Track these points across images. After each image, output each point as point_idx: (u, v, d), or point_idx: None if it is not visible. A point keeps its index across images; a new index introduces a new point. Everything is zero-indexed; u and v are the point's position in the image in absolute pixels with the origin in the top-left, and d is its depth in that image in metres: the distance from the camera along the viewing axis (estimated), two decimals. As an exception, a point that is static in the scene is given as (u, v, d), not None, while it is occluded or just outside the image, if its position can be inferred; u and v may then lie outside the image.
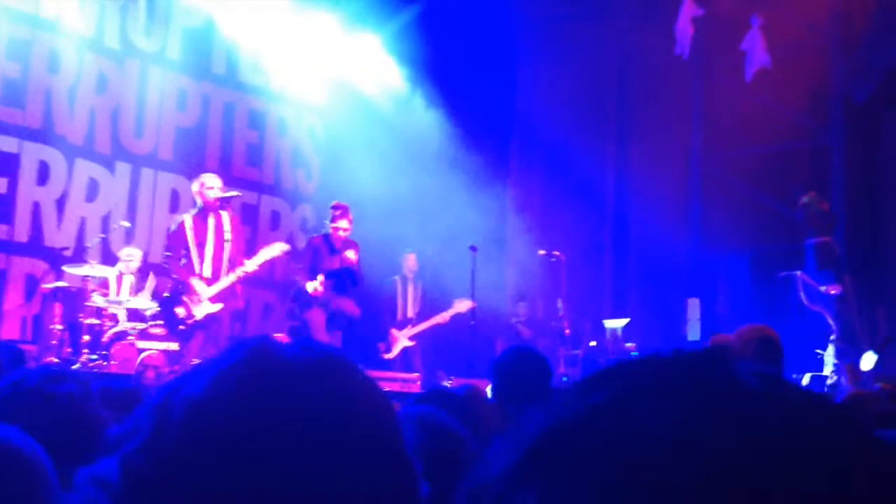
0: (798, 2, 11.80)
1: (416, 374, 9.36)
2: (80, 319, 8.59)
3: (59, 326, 8.71)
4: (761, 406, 0.56)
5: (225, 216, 8.58)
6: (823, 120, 12.16)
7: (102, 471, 0.86)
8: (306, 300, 9.21)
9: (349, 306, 9.40)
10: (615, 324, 11.55)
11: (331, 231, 9.34)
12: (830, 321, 8.80)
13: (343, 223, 9.29)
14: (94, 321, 8.72)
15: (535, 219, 13.16)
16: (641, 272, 13.39)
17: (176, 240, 8.50)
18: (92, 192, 10.41)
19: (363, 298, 9.78)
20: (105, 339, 8.65)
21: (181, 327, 8.39)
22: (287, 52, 12.02)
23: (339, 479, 0.83)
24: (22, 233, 9.83)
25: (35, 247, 9.88)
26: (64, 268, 9.17)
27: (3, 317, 9.65)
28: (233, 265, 8.44)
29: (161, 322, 8.76)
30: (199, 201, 8.61)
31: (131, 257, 9.62)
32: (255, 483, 0.81)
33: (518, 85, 13.99)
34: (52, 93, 10.08)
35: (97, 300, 8.85)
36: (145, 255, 10.23)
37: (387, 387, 8.04)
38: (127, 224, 10.17)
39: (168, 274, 8.98)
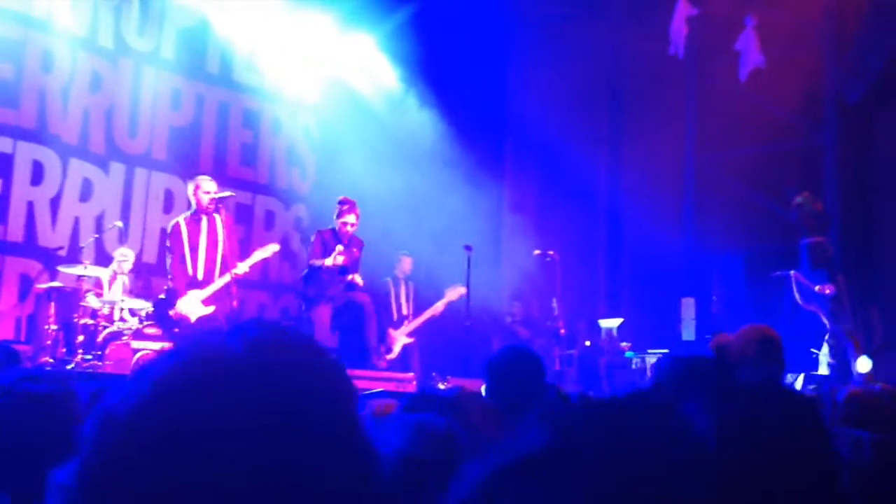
0: (791, 2, 11.83)
1: (411, 374, 9.35)
2: (75, 320, 8.57)
3: (54, 327, 8.68)
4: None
5: (218, 219, 8.58)
6: (817, 120, 12.19)
7: (67, 475, 0.87)
8: (315, 291, 9.19)
9: (360, 297, 9.39)
10: (610, 323, 11.57)
11: (338, 226, 9.33)
12: (825, 321, 8.82)
13: (350, 218, 9.31)
14: (89, 321, 8.71)
15: (530, 218, 13.18)
16: (636, 272, 13.41)
17: (175, 243, 8.51)
18: (86, 191, 10.39)
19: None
20: (100, 339, 8.64)
21: (175, 329, 8.38)
22: (281, 52, 12.01)
23: (287, 470, 0.82)
24: (16, 233, 9.81)
25: (29, 247, 9.86)
26: (58, 268, 9.16)
27: (-3, 317, 9.64)
28: (225, 267, 8.44)
29: (154, 322, 8.74)
30: (193, 203, 8.61)
31: (125, 257, 9.60)
32: (200, 481, 0.80)
33: (512, 85, 14.00)
34: (45, 92, 10.05)
35: (92, 300, 8.83)
36: (139, 256, 10.22)
37: (382, 386, 8.03)
38: (120, 224, 10.15)
39: (162, 273, 8.97)
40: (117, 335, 8.74)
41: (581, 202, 13.30)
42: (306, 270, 9.53)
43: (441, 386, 8.86)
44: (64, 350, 8.59)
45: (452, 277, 10.56)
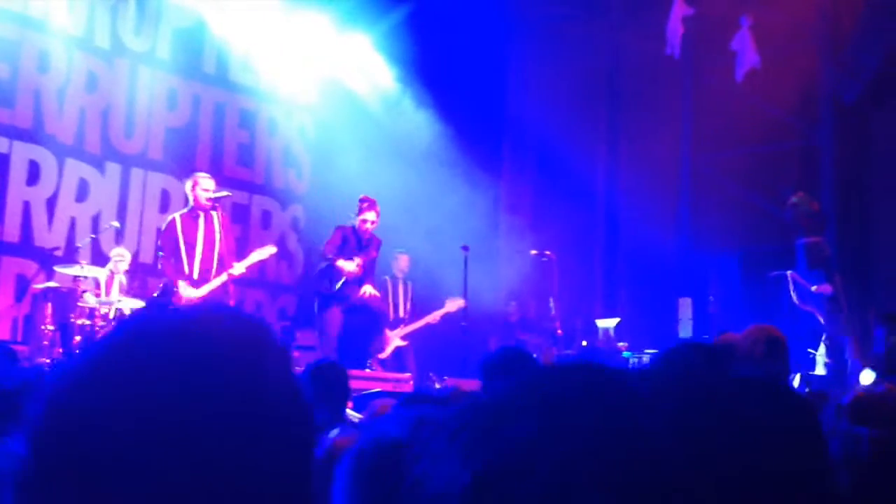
0: (787, 2, 11.84)
1: (407, 375, 9.34)
2: (72, 320, 8.55)
3: (51, 327, 8.67)
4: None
5: (215, 216, 8.53)
6: (813, 120, 12.20)
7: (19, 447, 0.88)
8: (330, 291, 9.14)
9: (373, 300, 9.33)
10: (607, 323, 11.57)
11: (358, 224, 9.26)
12: (821, 320, 8.84)
13: (370, 215, 9.23)
14: (86, 322, 8.69)
15: (527, 218, 13.18)
16: (632, 272, 13.41)
17: (167, 239, 8.45)
18: (82, 191, 10.38)
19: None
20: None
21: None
22: (278, 52, 12.01)
23: (222, 445, 0.83)
24: (12, 233, 9.80)
25: (25, 247, 9.85)
26: (55, 268, 9.14)
27: (-6, 317, 9.63)
28: (222, 265, 8.40)
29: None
30: (190, 200, 8.56)
31: (121, 257, 9.59)
32: (137, 456, 0.81)
33: (509, 85, 14.00)
34: (41, 92, 10.04)
35: (89, 300, 8.82)
36: (135, 255, 10.21)
37: (379, 387, 8.03)
38: (117, 224, 10.14)
39: (158, 274, 8.95)
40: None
41: (578, 202, 13.30)
42: (324, 265, 9.36)
43: (437, 386, 8.86)
44: (61, 350, 8.58)
45: (449, 278, 10.56)
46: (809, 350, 8.84)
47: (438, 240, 11.12)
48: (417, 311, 10.57)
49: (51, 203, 10.09)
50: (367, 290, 9.17)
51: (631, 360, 10.66)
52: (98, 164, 10.56)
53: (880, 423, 2.65)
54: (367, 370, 8.82)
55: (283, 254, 11.76)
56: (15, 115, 9.86)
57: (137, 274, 10.09)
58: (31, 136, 9.93)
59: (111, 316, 9.03)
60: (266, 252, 8.83)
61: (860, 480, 2.41)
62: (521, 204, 13.64)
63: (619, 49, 13.80)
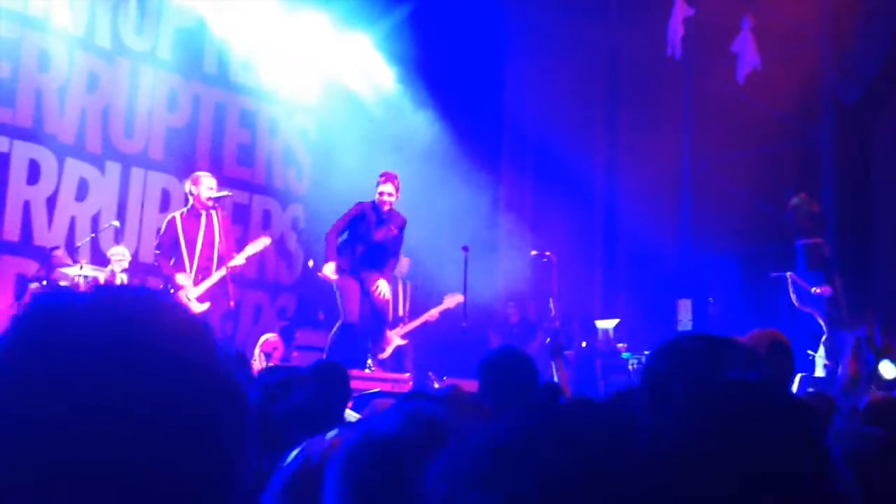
0: (788, 4, 11.84)
1: (407, 375, 9.34)
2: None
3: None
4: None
5: (215, 216, 8.50)
6: (813, 122, 12.19)
7: None
8: (347, 265, 8.84)
9: (381, 304, 9.05)
10: (606, 324, 11.58)
11: (377, 198, 8.92)
12: (821, 322, 8.83)
13: (386, 187, 8.88)
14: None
15: (527, 219, 13.18)
16: (632, 273, 13.41)
17: (166, 237, 8.42)
18: (82, 191, 10.39)
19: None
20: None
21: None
22: (278, 52, 12.01)
23: (133, 419, 0.83)
24: (12, 232, 9.80)
25: (25, 246, 9.86)
26: (60, 270, 9.14)
27: (-7, 316, 9.63)
28: (221, 264, 8.38)
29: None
30: (190, 199, 8.52)
31: (121, 257, 9.59)
32: (47, 432, 0.82)
33: (509, 85, 14.00)
34: (42, 92, 10.05)
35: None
36: (135, 255, 10.21)
37: (378, 386, 8.03)
38: (117, 224, 10.15)
39: (157, 272, 8.93)
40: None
41: (578, 203, 13.31)
42: (345, 236, 9.01)
43: (436, 386, 8.86)
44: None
45: (449, 278, 10.56)
46: (809, 352, 8.84)
47: (438, 240, 11.12)
48: (417, 311, 10.57)
49: (51, 202, 10.10)
50: (382, 287, 8.85)
51: (630, 362, 10.66)
52: (98, 164, 10.57)
53: (892, 425, 2.69)
54: (367, 370, 8.81)
55: (283, 254, 11.78)
56: (15, 115, 9.87)
57: (137, 273, 10.09)
58: (31, 135, 9.93)
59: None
60: (260, 244, 8.72)
61: (867, 478, 2.43)
62: (520, 204, 13.64)
63: (619, 50, 13.81)
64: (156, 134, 11.09)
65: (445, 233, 11.07)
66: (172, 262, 8.36)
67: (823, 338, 8.78)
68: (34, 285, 9.12)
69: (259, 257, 9.97)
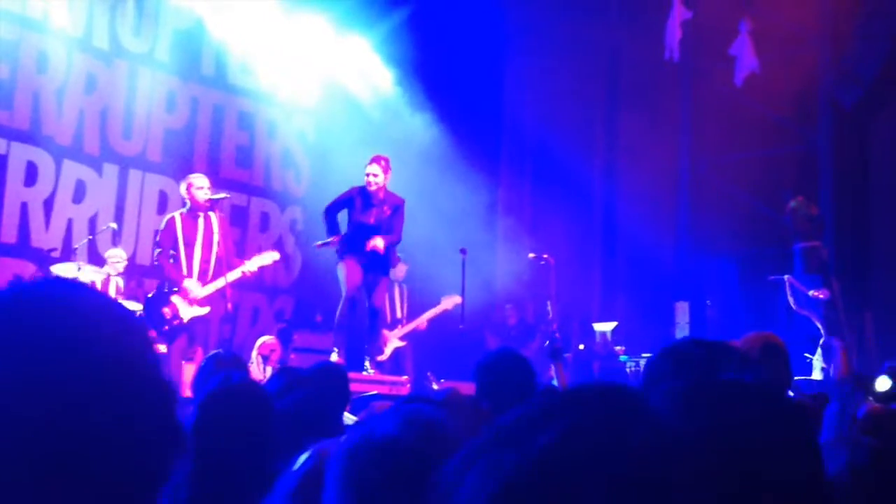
0: (786, 7, 11.85)
1: (405, 377, 9.33)
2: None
3: (47, 328, 8.63)
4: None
5: (213, 218, 8.51)
6: (811, 124, 12.20)
7: None
8: (346, 246, 8.79)
9: (378, 301, 8.91)
10: (604, 327, 11.57)
11: (364, 180, 8.84)
12: (818, 325, 8.83)
13: (372, 168, 8.79)
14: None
15: (525, 222, 13.18)
16: (630, 275, 13.41)
17: (166, 237, 8.42)
18: (79, 193, 10.37)
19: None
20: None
21: (165, 327, 8.33)
22: (276, 54, 12.01)
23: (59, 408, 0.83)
24: (9, 233, 9.79)
25: (22, 248, 9.84)
26: (52, 269, 9.13)
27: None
28: (220, 266, 8.38)
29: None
30: (187, 202, 8.54)
31: (118, 259, 9.58)
32: None
33: (507, 88, 14.00)
34: (40, 93, 10.03)
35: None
36: (132, 257, 10.20)
37: (376, 389, 8.02)
38: (114, 225, 10.13)
39: (157, 273, 8.92)
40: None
41: (576, 205, 13.31)
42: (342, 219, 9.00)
43: (435, 386, 8.85)
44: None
45: (447, 280, 10.55)
46: (806, 355, 8.84)
47: (436, 242, 11.11)
48: (414, 313, 10.57)
49: (48, 204, 10.08)
50: (376, 241, 8.68)
51: (628, 364, 10.66)
52: (96, 166, 10.55)
53: (887, 437, 2.71)
54: (364, 373, 8.80)
55: (281, 256, 11.75)
56: (13, 116, 9.85)
57: (134, 275, 10.08)
58: (29, 137, 9.92)
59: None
60: (269, 258, 8.82)
61: (861, 486, 2.44)
62: (519, 206, 13.64)
63: (618, 52, 13.81)
64: (154, 136, 11.08)
65: (443, 235, 11.06)
66: (171, 261, 8.36)
67: (821, 341, 8.78)
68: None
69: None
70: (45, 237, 10.00)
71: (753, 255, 12.18)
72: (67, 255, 9.69)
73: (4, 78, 9.77)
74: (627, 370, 10.59)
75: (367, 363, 8.94)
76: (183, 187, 8.56)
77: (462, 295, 10.06)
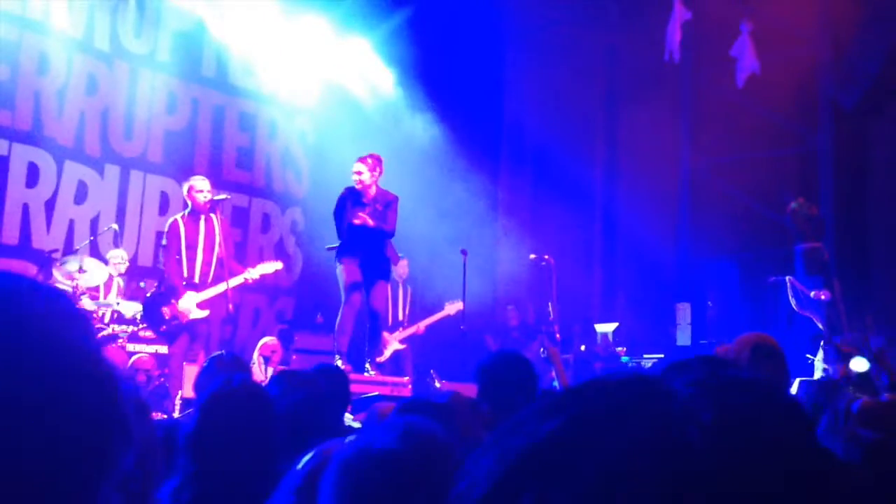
0: (787, 8, 11.85)
1: (406, 378, 9.33)
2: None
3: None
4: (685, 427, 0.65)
5: (214, 219, 8.53)
6: (812, 126, 12.21)
7: None
8: (344, 247, 8.77)
9: (377, 304, 8.81)
10: (605, 328, 11.57)
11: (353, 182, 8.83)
12: (820, 326, 8.83)
13: (356, 167, 8.79)
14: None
15: (525, 223, 13.18)
16: (631, 276, 13.41)
17: (171, 239, 8.45)
18: (81, 194, 10.38)
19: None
20: (94, 341, 8.59)
21: (163, 327, 8.34)
22: (277, 55, 12.01)
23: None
24: (11, 234, 9.79)
25: (24, 249, 9.84)
26: (53, 270, 9.13)
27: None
28: (220, 268, 8.40)
29: (145, 323, 8.71)
30: (188, 204, 8.56)
31: (119, 259, 9.59)
32: None
33: (507, 89, 14.01)
34: (41, 94, 10.04)
35: (86, 303, 8.81)
36: (133, 258, 10.20)
37: (377, 390, 8.03)
38: (116, 227, 10.14)
39: (156, 275, 8.93)
40: (112, 338, 8.72)
41: (576, 206, 13.31)
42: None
43: (437, 385, 8.85)
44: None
45: (448, 281, 10.56)
46: (808, 356, 8.83)
47: (437, 243, 11.12)
48: (416, 315, 10.57)
49: (49, 205, 10.08)
50: (364, 216, 8.63)
51: (629, 365, 10.66)
52: (97, 167, 10.56)
53: (882, 429, 2.71)
54: (365, 374, 8.80)
55: (282, 256, 11.76)
56: (15, 117, 9.86)
57: (135, 276, 10.09)
58: (30, 138, 9.92)
59: (108, 318, 9.03)
60: (272, 267, 8.88)
61: (860, 481, 2.45)
62: (519, 208, 13.64)
63: (617, 53, 13.81)
64: (155, 137, 11.09)
65: (444, 236, 11.07)
66: (175, 264, 8.39)
67: (822, 342, 8.77)
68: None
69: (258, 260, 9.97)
70: (47, 238, 10.00)
71: (754, 256, 12.18)
72: (69, 256, 9.68)
73: (5, 79, 9.78)
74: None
75: (367, 364, 8.95)
76: (184, 190, 8.61)
77: (463, 296, 10.07)
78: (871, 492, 2.42)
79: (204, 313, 8.35)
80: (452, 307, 10.33)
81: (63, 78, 10.22)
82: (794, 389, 7.70)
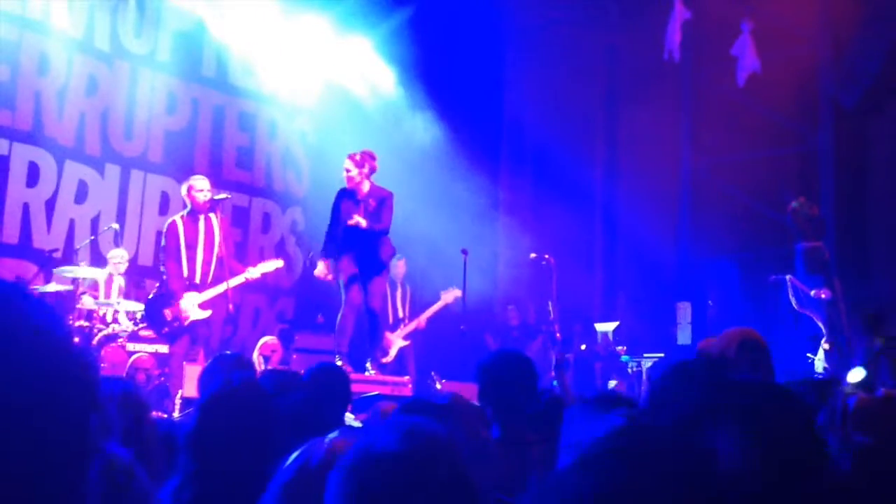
0: (787, 7, 11.85)
1: (406, 378, 9.33)
2: (70, 322, 8.53)
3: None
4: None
5: (214, 219, 8.53)
6: (812, 125, 12.20)
7: None
8: (337, 247, 8.73)
9: (375, 303, 8.79)
10: (606, 327, 11.57)
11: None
12: (820, 325, 8.83)
13: (345, 164, 8.77)
14: (84, 324, 8.69)
15: (526, 222, 13.18)
16: (631, 275, 13.41)
17: (169, 240, 8.45)
18: (81, 193, 10.38)
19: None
20: (95, 342, 8.62)
21: (165, 329, 8.34)
22: (277, 55, 12.01)
23: None
24: (11, 234, 9.79)
25: (24, 248, 9.84)
26: (53, 270, 9.14)
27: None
28: (221, 268, 8.40)
29: (146, 323, 8.71)
30: (188, 204, 8.56)
31: (120, 259, 9.59)
32: None
33: (507, 88, 14.00)
34: (41, 94, 10.04)
35: (87, 302, 8.81)
36: (134, 258, 10.20)
37: (378, 390, 8.02)
38: (116, 226, 10.14)
39: (157, 275, 8.93)
40: (112, 338, 8.72)
41: (577, 205, 13.30)
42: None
43: (438, 385, 8.85)
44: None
45: (448, 281, 10.56)
46: (808, 355, 8.84)
47: (437, 243, 11.11)
48: (416, 314, 10.57)
49: (50, 205, 10.08)
50: (357, 218, 8.58)
51: (630, 364, 10.66)
52: (98, 166, 10.56)
53: (875, 431, 2.71)
54: (366, 373, 8.80)
55: (283, 256, 11.75)
56: (15, 117, 9.86)
57: (135, 276, 10.09)
58: (30, 137, 9.92)
59: (109, 318, 9.03)
60: (273, 265, 8.88)
61: (857, 485, 2.45)
62: (520, 207, 13.64)
63: (618, 53, 13.81)
64: (155, 136, 11.09)
65: (444, 235, 11.06)
66: (174, 264, 8.38)
67: (823, 341, 8.77)
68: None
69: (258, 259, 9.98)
70: (47, 238, 10.00)
71: (755, 255, 12.18)
72: (69, 255, 9.70)
73: (6, 79, 9.78)
74: (629, 370, 10.60)
75: (368, 364, 8.95)
76: (183, 189, 8.61)
77: (463, 296, 10.07)
78: (863, 498, 2.42)
79: (205, 314, 8.35)
80: (449, 294, 10.33)
81: (63, 78, 10.22)
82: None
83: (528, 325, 12.15)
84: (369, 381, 8.57)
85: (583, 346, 11.60)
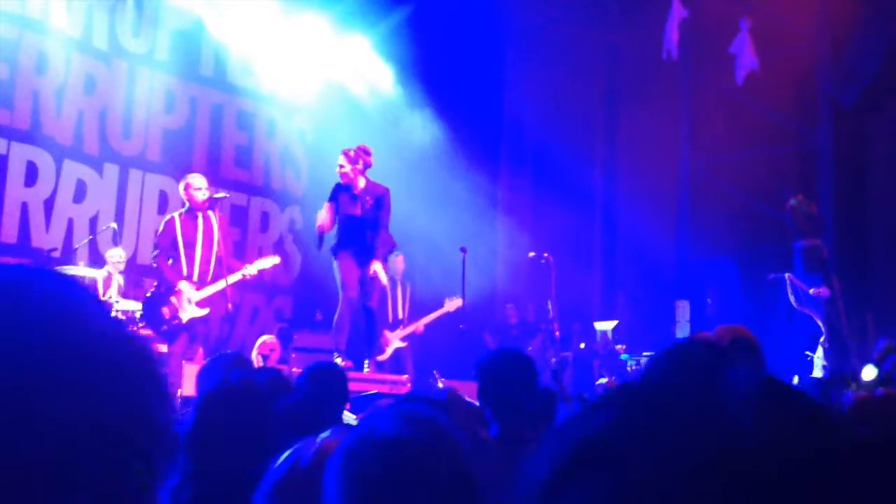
0: (786, 6, 11.85)
1: (405, 376, 9.32)
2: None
3: (47, 328, 8.61)
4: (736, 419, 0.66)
5: (213, 217, 8.52)
6: (811, 123, 12.20)
7: None
8: (339, 243, 8.69)
9: (374, 302, 8.80)
10: (605, 326, 11.57)
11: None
12: (819, 323, 8.83)
13: (339, 159, 8.70)
14: (83, 323, 8.66)
15: (525, 220, 13.18)
16: (630, 274, 13.42)
17: (165, 238, 8.42)
18: (80, 193, 10.37)
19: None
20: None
21: (164, 328, 8.33)
22: (276, 54, 12.00)
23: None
24: (9, 234, 9.79)
25: (23, 248, 9.84)
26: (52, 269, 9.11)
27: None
28: (220, 266, 8.39)
29: (144, 322, 8.69)
30: (186, 202, 8.55)
31: (118, 258, 9.59)
32: None
33: (507, 87, 14.00)
34: (39, 93, 10.04)
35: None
36: (132, 257, 10.19)
37: (376, 388, 8.02)
38: (114, 225, 10.13)
39: (156, 274, 8.92)
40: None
41: (576, 204, 13.31)
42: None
43: (439, 384, 8.84)
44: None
45: (448, 279, 10.55)
46: (807, 353, 8.84)
47: (436, 241, 11.11)
48: (416, 313, 10.56)
49: (48, 204, 10.08)
50: (377, 269, 8.57)
51: (629, 363, 10.66)
52: (96, 166, 10.55)
53: (880, 425, 2.70)
54: (364, 371, 8.80)
55: (281, 255, 11.76)
56: (13, 116, 9.86)
57: (133, 275, 10.08)
58: (29, 137, 9.92)
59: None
60: (270, 262, 8.85)
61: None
62: (519, 206, 13.64)
63: (617, 52, 13.81)
64: (153, 135, 11.09)
65: (443, 234, 11.06)
66: (171, 262, 8.37)
67: (822, 339, 8.78)
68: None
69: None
70: (46, 237, 10.00)
71: (753, 253, 12.18)
72: (68, 255, 9.69)
73: (4, 78, 9.78)
74: (628, 369, 10.60)
75: (365, 362, 8.94)
76: (181, 188, 8.60)
77: (462, 294, 10.06)
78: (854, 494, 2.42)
79: (203, 312, 8.34)
80: (452, 304, 10.32)
81: (62, 77, 10.21)
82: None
83: (528, 323, 12.15)
84: (368, 379, 8.56)
85: (582, 345, 11.60)
